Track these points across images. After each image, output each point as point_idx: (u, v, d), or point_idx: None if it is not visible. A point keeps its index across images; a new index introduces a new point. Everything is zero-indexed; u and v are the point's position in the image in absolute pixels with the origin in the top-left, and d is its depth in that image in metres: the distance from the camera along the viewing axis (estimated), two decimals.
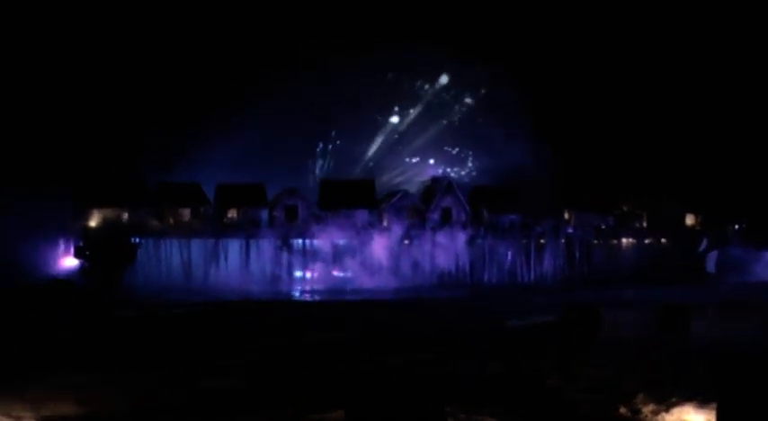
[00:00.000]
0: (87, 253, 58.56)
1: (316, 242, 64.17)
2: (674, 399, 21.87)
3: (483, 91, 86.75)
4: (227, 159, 70.81)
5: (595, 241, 67.65)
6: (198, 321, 40.81)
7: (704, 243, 67.70)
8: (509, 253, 66.08)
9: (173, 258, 62.37)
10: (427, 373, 25.65)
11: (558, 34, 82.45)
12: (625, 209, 70.18)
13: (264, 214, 65.72)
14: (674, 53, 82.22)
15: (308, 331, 36.22)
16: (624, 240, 68.92)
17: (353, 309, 47.54)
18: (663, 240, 68.79)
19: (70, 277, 57.05)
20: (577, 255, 66.67)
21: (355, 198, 67.05)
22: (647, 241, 68.86)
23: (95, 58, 77.13)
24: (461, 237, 64.98)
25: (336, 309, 47.97)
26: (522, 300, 53.57)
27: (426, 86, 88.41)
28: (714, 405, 18.91)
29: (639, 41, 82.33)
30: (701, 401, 21.24)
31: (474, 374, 25.70)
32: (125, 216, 62.59)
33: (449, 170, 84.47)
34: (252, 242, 63.17)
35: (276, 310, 46.23)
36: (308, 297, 57.54)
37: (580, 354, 29.16)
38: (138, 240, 61.22)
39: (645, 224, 69.98)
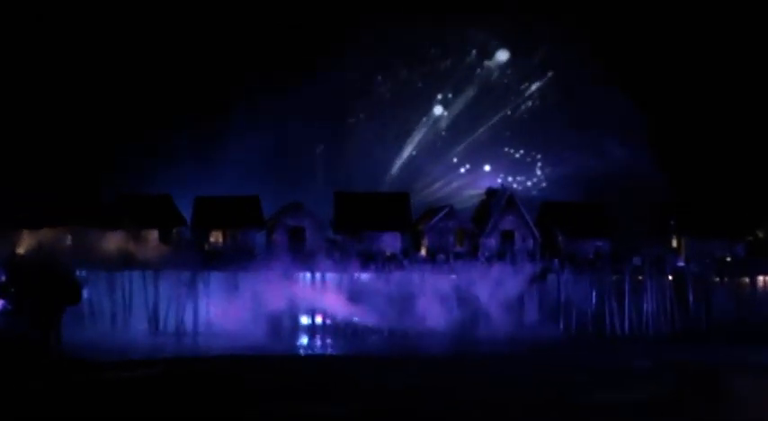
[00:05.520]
0: (12, 290, 57.70)
1: (329, 276, 64.19)
2: None
3: (558, 71, 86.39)
4: (212, 167, 71.89)
5: (717, 278, 67.06)
6: (167, 386, 41.63)
7: None
8: (593, 293, 65.30)
9: (134, 298, 62.03)
10: None
11: None
12: (760, 235, 69.34)
13: (260, 238, 65.73)
14: None
15: (315, 400, 37.53)
16: (761, 278, 67.79)
17: (375, 368, 48.66)
18: None
19: None
20: (691, 297, 65.80)
21: (383, 217, 66.91)
22: None
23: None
24: (527, 271, 64.57)
25: (352, 369, 49.10)
26: (612, 360, 53.53)
27: (481, 65, 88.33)
28: None
29: None
30: None
31: None
32: (68, 240, 62.00)
33: (510, 180, 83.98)
34: (242, 276, 62.89)
35: (272, 371, 46.87)
36: (316, 352, 58.33)
37: None
38: (84, 273, 60.44)
39: None
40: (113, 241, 62.39)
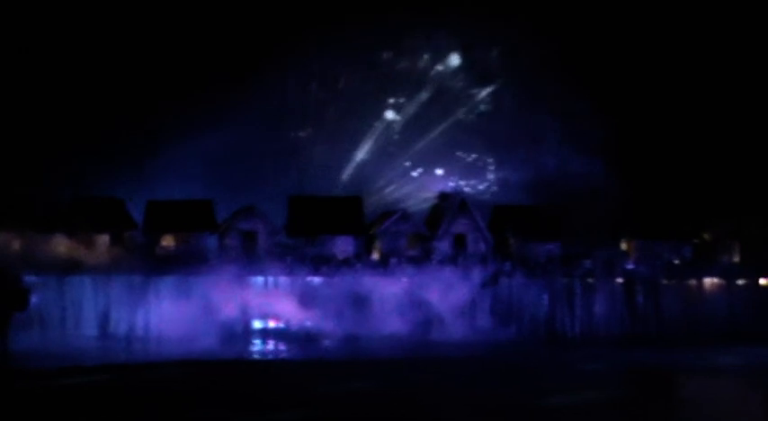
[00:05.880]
0: None
1: (281, 280, 63.86)
2: None
3: (510, 75, 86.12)
4: (166, 170, 71.56)
5: (666, 281, 66.86)
6: (118, 393, 41.02)
7: None
8: (545, 296, 65.53)
9: (84, 303, 61.37)
10: None
11: None
12: (708, 237, 69.66)
13: (212, 242, 65.60)
14: None
15: (267, 406, 37.16)
16: (707, 280, 67.91)
17: (327, 373, 48.54)
18: (763, 281, 67.75)
19: None
20: (641, 299, 65.92)
21: (336, 221, 67.08)
22: (740, 282, 67.64)
23: None
24: (480, 274, 64.37)
25: (304, 373, 48.50)
26: (563, 362, 53.62)
27: (434, 69, 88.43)
28: None
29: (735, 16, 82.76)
30: None
31: None
32: (15, 244, 61.16)
33: (462, 184, 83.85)
34: (194, 280, 62.27)
35: (227, 376, 46.87)
36: (268, 357, 57.94)
37: None
38: (33, 279, 59.59)
39: (737, 258, 69.26)
40: (63, 245, 61.88)
